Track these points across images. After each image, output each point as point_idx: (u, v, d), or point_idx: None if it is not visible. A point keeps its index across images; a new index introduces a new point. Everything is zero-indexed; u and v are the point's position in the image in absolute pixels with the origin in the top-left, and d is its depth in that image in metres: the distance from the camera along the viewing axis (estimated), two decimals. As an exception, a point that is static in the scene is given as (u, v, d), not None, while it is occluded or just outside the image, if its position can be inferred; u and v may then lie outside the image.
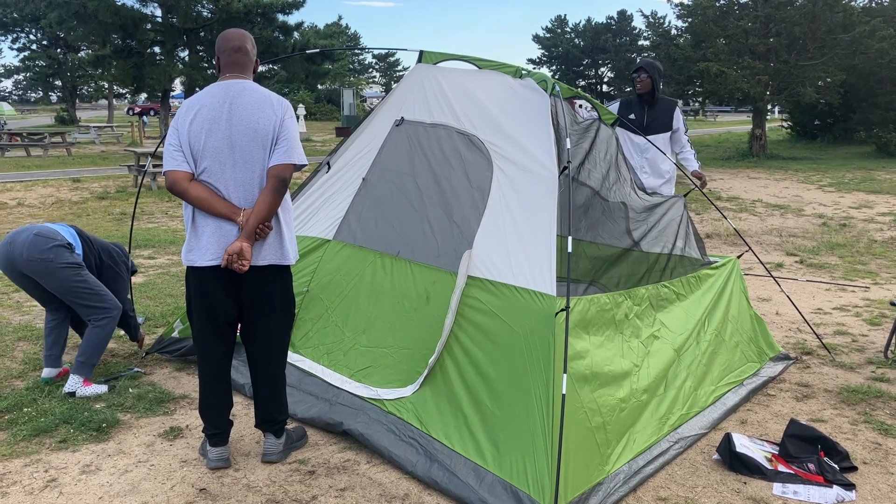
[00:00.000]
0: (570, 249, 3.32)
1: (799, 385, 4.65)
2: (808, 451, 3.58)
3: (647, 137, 5.49)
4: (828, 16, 20.97)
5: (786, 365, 4.89)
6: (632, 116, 5.94)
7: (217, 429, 3.52)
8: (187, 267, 3.42)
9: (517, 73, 4.13)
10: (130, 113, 57.94)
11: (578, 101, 6.05)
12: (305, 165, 3.38)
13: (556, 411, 3.13)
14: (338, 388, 4.00)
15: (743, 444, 3.62)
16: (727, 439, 3.62)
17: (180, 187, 3.26)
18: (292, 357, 4.29)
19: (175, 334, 4.96)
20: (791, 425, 3.72)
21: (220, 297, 3.38)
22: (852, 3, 22.20)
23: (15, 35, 44.71)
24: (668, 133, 5.92)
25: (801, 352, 5.27)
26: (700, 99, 30.02)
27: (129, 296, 4.87)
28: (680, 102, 6.20)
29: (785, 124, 31.75)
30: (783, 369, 4.83)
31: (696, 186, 5.68)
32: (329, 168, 4.84)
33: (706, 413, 4.02)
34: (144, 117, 33.14)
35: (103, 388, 4.37)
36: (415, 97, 4.54)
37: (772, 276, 5.65)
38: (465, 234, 3.92)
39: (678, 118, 5.98)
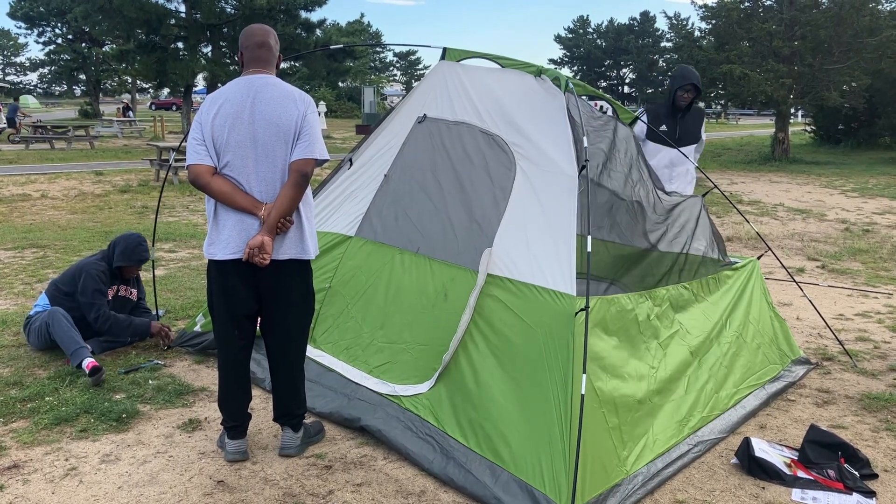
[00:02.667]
0: (589, 249, 3.30)
1: (819, 391, 4.61)
2: (828, 457, 3.55)
3: (673, 150, 5.39)
4: (854, 19, 20.72)
5: (806, 370, 4.85)
6: (664, 128, 5.66)
7: (235, 421, 3.55)
8: (209, 260, 3.44)
9: (538, 72, 4.13)
10: (153, 108, 58.47)
11: (598, 102, 5.99)
12: (327, 160, 3.40)
13: (574, 411, 3.12)
14: (357, 383, 4.01)
15: (762, 448, 3.59)
16: (746, 443, 3.59)
17: (203, 181, 3.29)
18: (312, 352, 4.30)
19: (197, 328, 5.00)
20: (811, 431, 3.69)
21: (240, 291, 3.40)
22: (879, 7, 21.94)
23: (41, 29, 45.20)
24: (695, 144, 5.75)
25: (822, 357, 5.22)
26: (723, 101, 29.77)
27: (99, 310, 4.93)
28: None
29: (808, 128, 31.46)
30: (804, 374, 4.79)
31: (715, 185, 5.56)
32: (351, 164, 4.85)
33: (726, 416, 3.99)
34: (130, 112, 33.28)
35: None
36: (438, 94, 4.55)
37: (794, 280, 5.60)
38: (485, 232, 3.92)
39: (702, 127, 5.81)
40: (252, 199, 3.30)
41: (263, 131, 3.28)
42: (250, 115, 3.29)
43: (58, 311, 4.79)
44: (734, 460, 3.63)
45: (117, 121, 32.68)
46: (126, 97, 47.61)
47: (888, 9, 23.58)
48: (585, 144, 3.66)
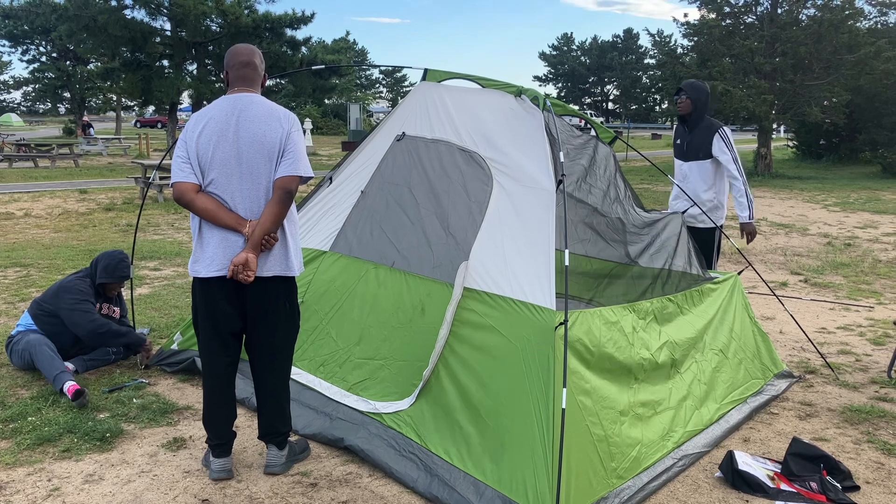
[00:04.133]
0: (566, 263, 3.33)
1: (802, 404, 4.65)
2: (810, 469, 3.58)
3: (686, 164, 5.31)
4: (833, 36, 21.07)
5: (789, 383, 4.89)
6: (678, 141, 5.57)
7: (220, 440, 3.54)
8: (193, 278, 3.45)
9: (518, 92, 4.17)
10: (138, 125, 58.36)
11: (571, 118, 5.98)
12: (311, 178, 3.42)
13: (556, 425, 3.14)
14: (336, 402, 4.01)
15: (745, 461, 3.61)
16: (730, 457, 3.62)
17: (187, 198, 3.31)
18: None
19: (174, 346, 4.98)
20: (794, 444, 3.72)
21: (224, 308, 3.40)
22: (858, 25, 22.31)
23: (25, 47, 45.05)
24: (708, 160, 5.39)
25: (805, 371, 5.26)
26: (705, 117, 30.05)
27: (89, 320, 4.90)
28: (726, 128, 5.44)
29: (790, 143, 31.80)
30: (787, 387, 4.82)
31: (695, 203, 5.33)
32: (331, 182, 4.88)
33: (709, 430, 4.01)
34: (91, 129, 32.99)
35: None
36: (417, 114, 4.59)
37: (775, 294, 5.65)
38: (461, 245, 3.94)
39: (719, 145, 5.35)
40: (236, 216, 3.32)
41: (248, 149, 3.30)
42: (235, 133, 3.31)
43: (41, 342, 4.76)
44: (718, 474, 3.65)
45: (101, 138, 32.53)
46: (148, 113, 47.35)
47: (866, 26, 23.98)
48: (562, 160, 3.70)
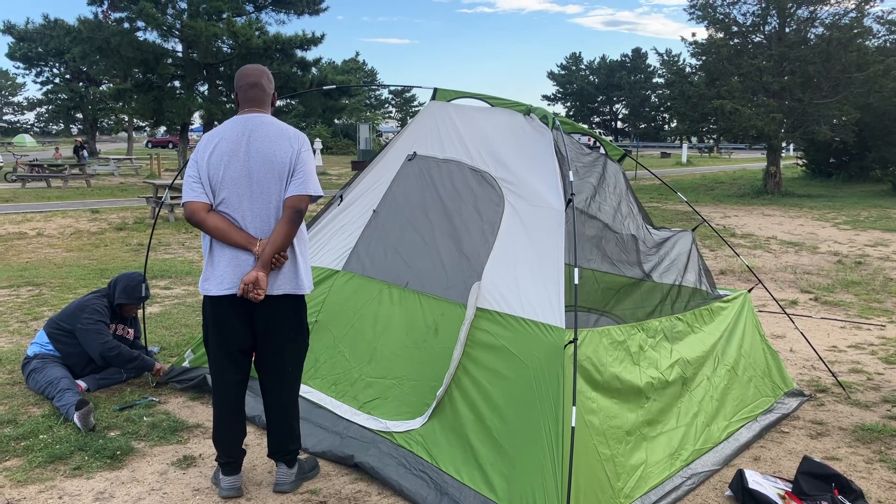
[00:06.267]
0: (576, 281, 3.34)
1: (813, 422, 4.62)
2: (821, 488, 3.55)
3: None
4: (842, 55, 21.08)
5: (800, 402, 4.86)
6: None
7: (230, 457, 3.55)
8: (204, 296, 3.47)
9: (527, 111, 4.20)
10: (149, 146, 58.83)
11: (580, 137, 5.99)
12: (321, 196, 3.45)
13: (565, 444, 3.14)
14: (348, 420, 4.02)
15: (755, 480, 3.60)
16: (739, 475, 3.60)
17: (198, 217, 3.34)
18: (301, 388, 4.32)
19: (186, 364, 5.00)
20: (804, 462, 3.70)
21: (235, 326, 3.43)
22: (867, 43, 22.33)
23: (39, 69, 45.60)
24: None
25: (816, 389, 5.24)
26: (714, 136, 30.11)
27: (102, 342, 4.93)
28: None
29: (800, 162, 31.76)
30: (797, 406, 4.80)
31: (704, 220, 5.49)
32: (342, 201, 4.91)
33: (719, 449, 4.00)
34: (84, 150, 32.92)
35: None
36: (428, 133, 4.62)
37: (785, 312, 5.64)
38: (474, 266, 3.96)
39: None
40: (247, 235, 3.35)
41: (258, 168, 3.34)
42: (245, 153, 3.35)
43: (59, 378, 4.76)
44: (728, 492, 3.63)
45: (113, 158, 32.77)
46: (160, 134, 47.55)
47: (875, 45, 23.98)
48: (571, 179, 3.72)
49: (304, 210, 3.37)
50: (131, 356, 4.97)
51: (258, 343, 3.51)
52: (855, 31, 21.51)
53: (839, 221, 16.10)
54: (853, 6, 22.21)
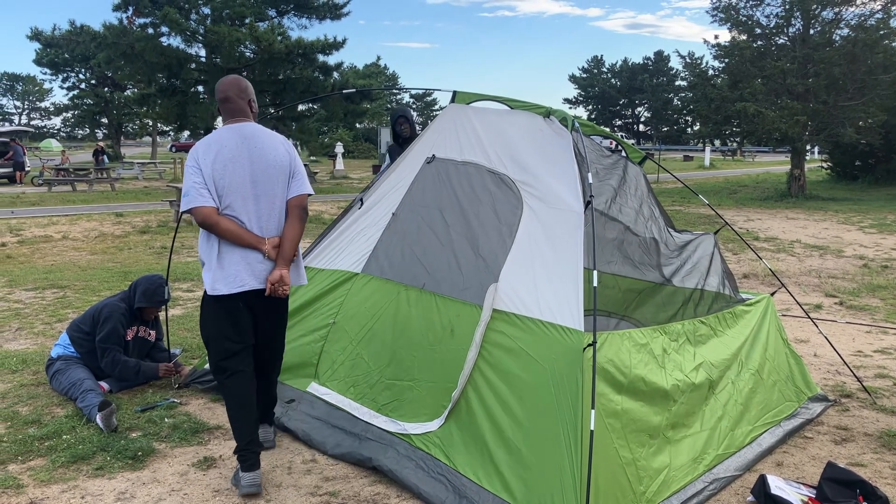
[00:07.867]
0: (595, 284, 3.33)
1: (837, 428, 4.56)
2: (846, 495, 3.50)
3: None
4: (868, 56, 20.81)
5: (824, 407, 4.80)
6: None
7: (249, 436, 3.64)
8: (212, 297, 3.63)
9: (547, 113, 4.19)
10: (174, 150, 59.41)
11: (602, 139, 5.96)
12: (312, 194, 3.82)
13: (584, 447, 3.12)
14: (366, 422, 4.03)
15: (778, 486, 3.55)
16: (762, 481, 3.56)
17: (211, 221, 3.55)
18: (319, 390, 4.36)
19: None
20: (828, 468, 3.65)
21: (247, 320, 3.70)
22: (893, 44, 22.01)
23: (65, 74, 46.27)
24: None
25: (840, 394, 5.16)
26: (738, 139, 29.83)
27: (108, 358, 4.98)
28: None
29: (824, 165, 31.39)
30: (821, 411, 4.74)
31: (727, 223, 5.52)
32: (362, 204, 4.92)
33: (742, 454, 3.95)
34: (104, 155, 32.83)
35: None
36: (447, 136, 4.62)
37: (809, 316, 5.57)
38: (491, 267, 3.95)
39: None
40: (255, 235, 3.62)
41: (262, 172, 3.62)
42: (248, 159, 3.61)
43: (82, 379, 4.82)
44: (750, 498, 3.59)
45: (138, 163, 33.13)
46: (183, 138, 48.03)
47: (902, 46, 23.63)
48: (590, 181, 3.71)
49: (307, 207, 3.76)
50: (129, 370, 5.02)
51: (259, 332, 3.82)
52: (881, 32, 21.20)
53: (865, 225, 15.89)
54: (879, 7, 21.94)
